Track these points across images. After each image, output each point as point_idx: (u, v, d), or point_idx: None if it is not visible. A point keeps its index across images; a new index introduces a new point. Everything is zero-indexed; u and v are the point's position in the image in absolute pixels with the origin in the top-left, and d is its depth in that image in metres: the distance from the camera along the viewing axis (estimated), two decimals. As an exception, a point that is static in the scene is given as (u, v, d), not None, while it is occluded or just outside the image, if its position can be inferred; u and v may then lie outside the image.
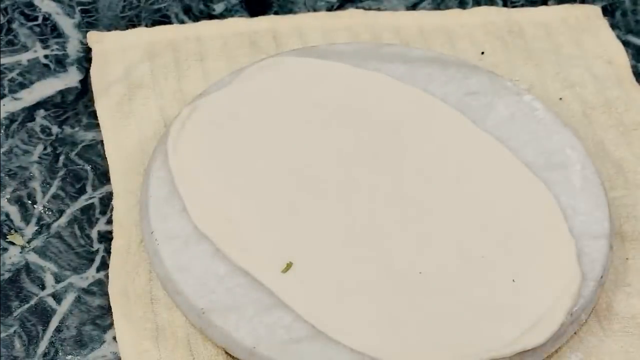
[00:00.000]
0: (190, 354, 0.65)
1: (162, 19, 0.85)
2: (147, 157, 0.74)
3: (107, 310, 0.68)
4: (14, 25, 0.84)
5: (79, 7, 0.86)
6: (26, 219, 0.72)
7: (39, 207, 0.73)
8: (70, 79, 0.81)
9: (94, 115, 0.78)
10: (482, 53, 0.82)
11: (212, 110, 0.74)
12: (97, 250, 0.71)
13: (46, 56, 0.82)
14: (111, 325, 0.67)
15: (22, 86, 0.80)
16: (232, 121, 0.73)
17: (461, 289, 0.65)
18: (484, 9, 0.86)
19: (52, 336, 0.67)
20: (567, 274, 0.65)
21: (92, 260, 0.70)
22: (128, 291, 0.68)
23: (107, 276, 0.69)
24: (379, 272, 0.66)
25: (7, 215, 0.72)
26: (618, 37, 0.85)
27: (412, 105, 0.75)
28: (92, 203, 0.73)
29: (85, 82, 0.80)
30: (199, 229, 0.67)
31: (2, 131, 0.77)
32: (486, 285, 0.65)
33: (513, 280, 0.66)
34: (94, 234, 0.72)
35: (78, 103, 0.79)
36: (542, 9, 0.87)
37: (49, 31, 0.84)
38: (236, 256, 0.66)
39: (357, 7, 0.87)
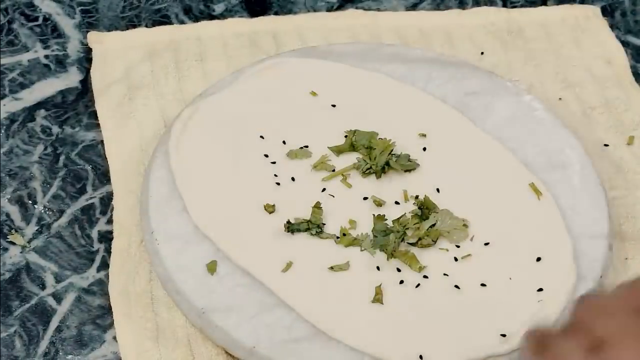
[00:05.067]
0: (191, 353, 0.65)
1: (163, 20, 0.85)
2: (147, 157, 0.74)
3: (107, 310, 0.68)
4: (15, 26, 0.84)
5: (80, 8, 0.86)
6: (26, 218, 0.72)
7: (39, 207, 0.73)
8: (71, 79, 0.81)
9: (94, 115, 0.78)
10: (482, 53, 0.83)
11: (213, 111, 0.74)
12: (98, 250, 0.71)
13: (47, 56, 0.82)
14: (111, 325, 0.67)
15: (23, 86, 0.80)
16: (233, 121, 0.74)
17: (459, 287, 0.65)
18: (483, 10, 0.86)
19: (52, 336, 0.67)
20: (562, 272, 0.65)
21: (93, 260, 0.70)
22: (128, 291, 0.68)
23: (107, 276, 0.69)
24: (377, 271, 0.66)
25: (8, 215, 0.72)
26: (617, 37, 0.85)
27: (412, 105, 0.75)
28: (93, 203, 0.73)
29: (86, 83, 0.81)
30: (200, 229, 0.67)
31: (2, 131, 0.77)
32: (483, 284, 0.65)
33: (510, 279, 0.66)
34: (94, 233, 0.72)
35: (78, 103, 0.79)
36: (541, 9, 0.87)
37: (50, 31, 0.84)
38: (236, 256, 0.66)
39: (357, 8, 0.87)
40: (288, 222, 0.68)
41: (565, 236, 0.67)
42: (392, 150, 0.71)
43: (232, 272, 0.66)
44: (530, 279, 0.65)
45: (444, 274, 0.66)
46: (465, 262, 0.67)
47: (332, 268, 0.66)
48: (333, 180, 0.71)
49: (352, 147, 0.72)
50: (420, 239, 0.67)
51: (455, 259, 0.67)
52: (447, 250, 0.67)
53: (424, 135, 0.73)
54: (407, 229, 0.67)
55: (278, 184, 0.70)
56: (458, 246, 0.67)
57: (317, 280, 0.65)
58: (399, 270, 0.66)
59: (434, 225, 0.68)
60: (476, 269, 0.66)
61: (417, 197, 0.70)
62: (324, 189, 0.70)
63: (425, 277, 0.66)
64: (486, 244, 0.67)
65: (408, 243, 0.67)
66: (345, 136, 0.73)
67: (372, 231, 0.68)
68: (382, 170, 0.71)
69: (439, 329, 0.63)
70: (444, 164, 0.72)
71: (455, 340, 0.63)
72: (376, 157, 0.71)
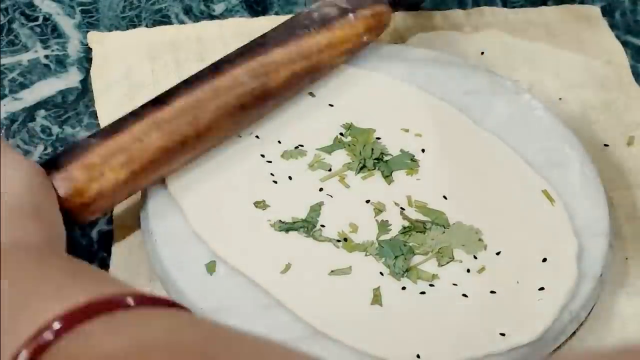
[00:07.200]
0: (190, 353, 0.65)
1: (163, 20, 0.85)
2: (147, 157, 0.74)
3: (107, 309, 0.67)
4: (15, 26, 0.84)
5: (80, 8, 0.86)
6: (26, 218, 0.72)
7: (39, 207, 0.73)
8: (71, 79, 0.81)
9: (94, 115, 0.78)
10: (482, 53, 0.83)
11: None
12: (98, 250, 0.71)
13: (47, 56, 0.82)
14: (111, 324, 0.67)
15: (23, 86, 0.80)
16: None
17: (467, 296, 0.65)
18: (483, 9, 0.86)
19: (52, 335, 0.66)
20: (564, 272, 0.65)
21: (93, 261, 0.70)
22: (128, 291, 0.68)
23: (107, 276, 0.69)
24: (377, 271, 0.66)
25: (8, 215, 0.72)
26: (617, 37, 0.85)
27: (412, 105, 0.75)
28: (93, 203, 0.73)
29: (86, 83, 0.81)
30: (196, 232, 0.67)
31: (2, 131, 0.77)
32: (493, 291, 0.65)
33: (517, 282, 0.65)
34: (94, 233, 0.72)
35: (79, 103, 0.80)
36: (541, 9, 0.87)
37: (50, 31, 0.84)
38: (234, 259, 0.66)
39: (357, 8, 0.87)
40: (280, 221, 0.68)
41: (572, 238, 0.67)
42: (381, 148, 0.71)
43: (232, 272, 0.66)
44: (535, 279, 0.65)
45: (453, 284, 0.65)
46: (477, 273, 0.66)
47: (333, 272, 0.66)
48: (331, 180, 0.71)
49: (342, 145, 0.72)
50: (430, 252, 0.67)
51: (468, 271, 0.66)
52: (461, 261, 0.66)
53: (424, 136, 0.73)
54: (417, 246, 0.67)
55: (275, 182, 0.70)
56: (476, 257, 0.67)
57: (315, 281, 0.65)
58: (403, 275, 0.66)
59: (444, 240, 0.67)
60: (487, 278, 0.66)
61: (422, 204, 0.69)
62: (321, 189, 0.70)
63: (431, 285, 0.65)
64: (497, 253, 0.67)
65: (418, 253, 0.67)
66: (341, 134, 0.73)
67: (376, 239, 0.67)
68: (375, 166, 0.71)
69: (438, 328, 0.63)
70: (448, 166, 0.71)
71: (454, 339, 0.63)
72: (361, 152, 0.71)
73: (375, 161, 0.71)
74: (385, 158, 0.72)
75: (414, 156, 0.72)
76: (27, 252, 0.56)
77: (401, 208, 0.69)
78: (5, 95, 0.79)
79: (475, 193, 0.70)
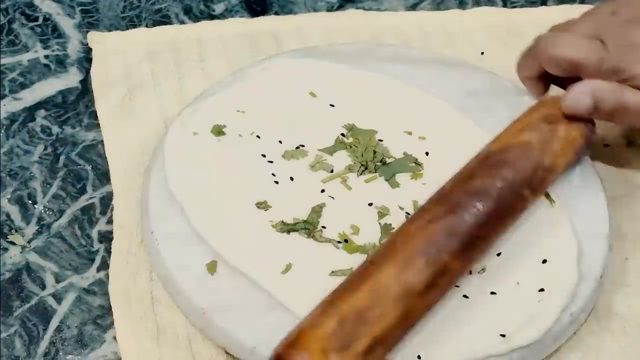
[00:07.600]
0: (191, 353, 0.65)
1: (163, 20, 0.85)
2: (147, 157, 0.74)
3: (107, 310, 0.68)
4: (15, 26, 0.84)
5: (80, 8, 0.86)
6: (27, 218, 0.72)
7: (39, 207, 0.73)
8: (71, 79, 0.81)
9: (94, 115, 0.78)
10: (482, 53, 0.83)
11: (213, 111, 0.74)
12: (98, 250, 0.71)
13: (47, 56, 0.82)
14: (112, 324, 0.67)
15: (23, 86, 0.80)
16: (232, 122, 0.74)
17: (467, 297, 0.65)
18: (483, 10, 0.86)
19: (52, 336, 0.67)
20: (565, 273, 0.65)
21: (93, 260, 0.70)
22: (129, 291, 0.68)
23: (107, 276, 0.69)
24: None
25: (8, 215, 0.72)
26: (617, 37, 0.84)
27: (412, 106, 0.75)
28: (93, 203, 0.73)
29: (86, 82, 0.81)
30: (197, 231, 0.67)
31: (2, 131, 0.77)
32: (493, 292, 0.65)
33: (517, 284, 0.65)
34: (94, 233, 0.72)
35: (78, 103, 0.80)
36: (541, 9, 0.87)
37: (50, 31, 0.84)
38: (235, 259, 0.66)
39: (357, 8, 0.87)
40: (282, 222, 0.68)
41: (572, 239, 0.67)
42: (383, 151, 0.71)
43: (232, 272, 0.66)
44: (535, 281, 0.65)
45: (455, 285, 0.65)
46: (478, 274, 0.66)
47: (333, 272, 0.66)
48: (332, 181, 0.71)
49: (343, 146, 0.72)
50: None
51: (470, 272, 0.66)
52: None
53: (428, 139, 0.73)
54: None
55: (277, 182, 0.70)
56: None
57: (318, 284, 0.65)
58: None
59: None
60: (488, 279, 0.66)
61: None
62: (323, 190, 0.70)
63: None
64: (498, 254, 0.67)
65: None
66: (342, 134, 0.73)
67: (379, 242, 0.67)
68: (376, 169, 0.70)
69: (438, 330, 0.63)
70: (446, 164, 0.71)
71: (454, 341, 0.63)
72: (362, 154, 0.71)
73: (378, 164, 0.71)
74: (388, 161, 0.72)
75: (417, 159, 0.72)
76: None
77: (406, 213, 0.69)
78: (5, 95, 0.79)
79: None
